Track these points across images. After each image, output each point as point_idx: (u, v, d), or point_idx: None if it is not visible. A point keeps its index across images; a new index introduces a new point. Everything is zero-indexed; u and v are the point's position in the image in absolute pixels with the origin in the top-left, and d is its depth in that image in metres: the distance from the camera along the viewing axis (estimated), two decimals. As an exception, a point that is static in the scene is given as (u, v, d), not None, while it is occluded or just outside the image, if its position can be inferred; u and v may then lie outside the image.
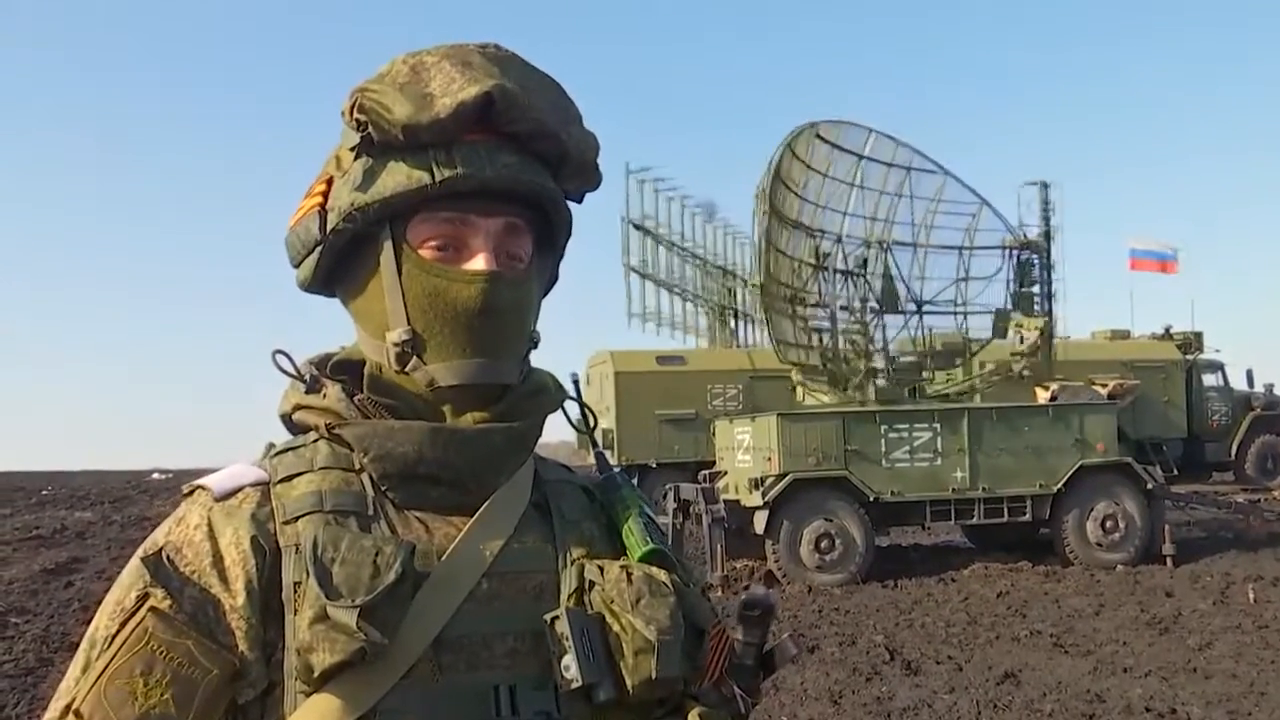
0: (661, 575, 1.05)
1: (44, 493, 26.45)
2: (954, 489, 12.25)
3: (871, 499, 11.95)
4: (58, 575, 12.64)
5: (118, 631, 0.93)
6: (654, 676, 0.98)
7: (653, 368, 20.11)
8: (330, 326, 1.16)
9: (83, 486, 28.46)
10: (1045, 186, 14.64)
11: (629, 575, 1.03)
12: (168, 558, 0.98)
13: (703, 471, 13.90)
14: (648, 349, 21.26)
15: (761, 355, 19.79)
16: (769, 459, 11.92)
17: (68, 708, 0.91)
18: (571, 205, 1.14)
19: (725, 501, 12.14)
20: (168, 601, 0.94)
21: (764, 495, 11.65)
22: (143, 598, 0.94)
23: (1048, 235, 14.46)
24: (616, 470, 1.21)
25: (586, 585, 1.03)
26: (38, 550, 15.12)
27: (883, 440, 12.17)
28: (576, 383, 1.23)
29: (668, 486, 13.43)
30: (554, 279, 1.20)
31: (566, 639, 0.97)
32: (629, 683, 0.98)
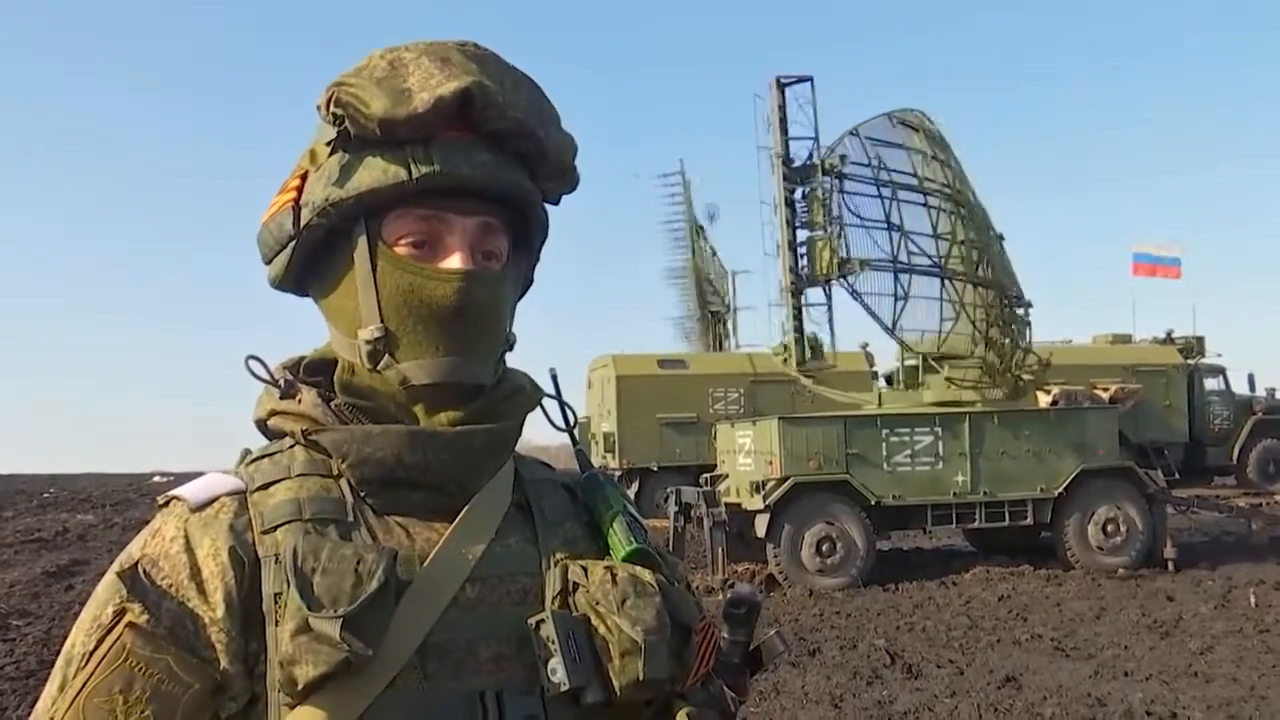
0: (646, 575, 1.03)
1: (46, 495, 26.45)
2: (955, 493, 12.25)
3: (873, 503, 11.95)
4: (59, 578, 12.65)
5: (95, 648, 0.91)
6: (641, 678, 0.97)
7: (654, 371, 20.13)
8: (312, 331, 1.15)
9: (85, 489, 28.46)
10: (788, 85, 11.50)
11: (614, 576, 1.01)
12: (144, 571, 0.96)
13: (704, 475, 13.89)
14: (649, 353, 21.27)
15: (763, 359, 19.82)
16: (770, 462, 11.92)
17: None
18: (547, 208, 1.13)
19: (726, 505, 12.15)
20: (145, 616, 0.92)
21: (765, 499, 11.66)
22: (120, 613, 0.92)
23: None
24: (598, 469, 1.19)
25: (571, 587, 1.02)
26: (39, 553, 15.13)
27: (884, 444, 12.17)
28: (555, 379, 1.21)
29: (669, 490, 13.44)
30: (529, 282, 1.18)
31: (552, 642, 0.96)
32: (616, 685, 0.97)
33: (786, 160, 12.13)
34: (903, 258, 12.38)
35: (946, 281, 12.66)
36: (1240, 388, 20.50)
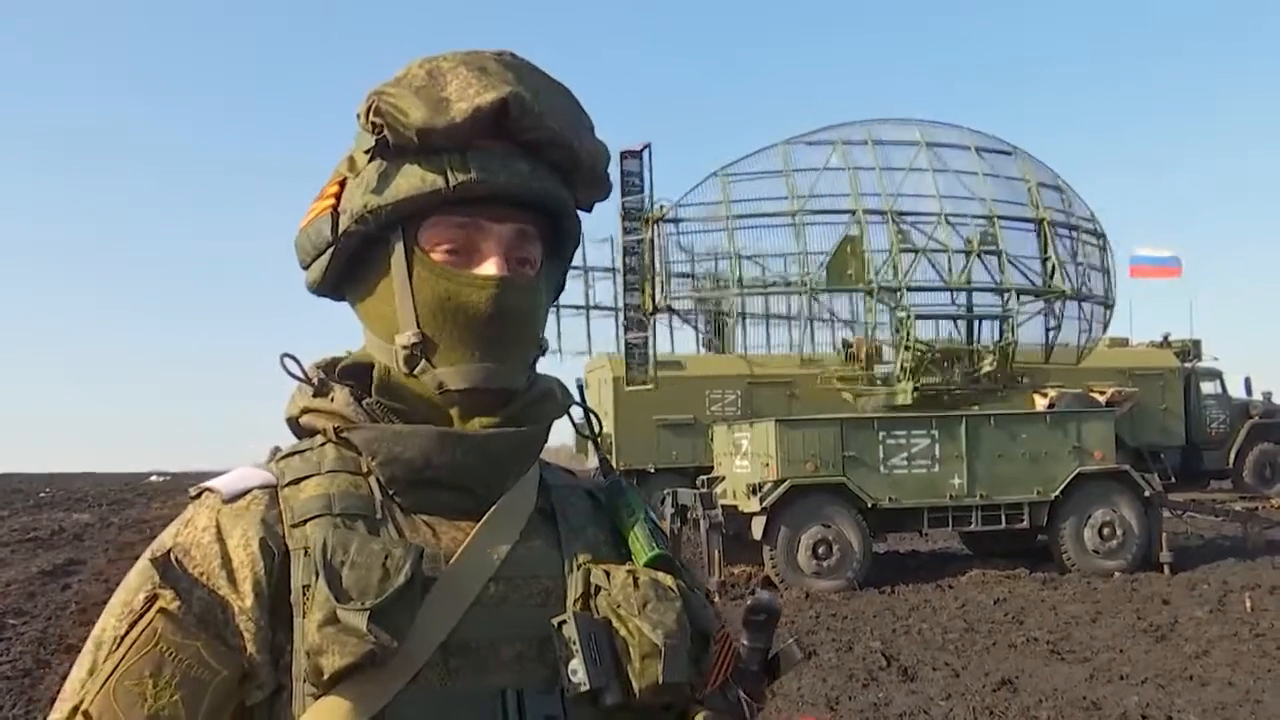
0: (668, 580, 1.05)
1: (42, 495, 26.40)
2: (951, 496, 12.25)
3: (869, 505, 11.95)
4: (55, 577, 12.63)
5: (126, 633, 0.92)
6: (661, 681, 0.99)
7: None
8: (324, 335, 1.16)
9: (81, 488, 28.42)
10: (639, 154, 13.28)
11: (635, 580, 1.03)
12: (176, 559, 0.98)
13: (701, 477, 13.87)
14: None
15: (760, 360, 19.82)
16: (767, 465, 11.92)
17: (75, 709, 0.91)
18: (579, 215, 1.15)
19: (723, 507, 12.12)
20: (176, 603, 0.94)
21: (762, 501, 11.66)
22: (151, 599, 0.94)
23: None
24: (619, 475, 1.21)
25: (593, 590, 1.03)
26: (35, 552, 15.11)
27: (880, 447, 12.17)
28: (581, 389, 1.23)
29: (666, 492, 13.41)
30: (560, 288, 1.21)
31: (574, 643, 0.98)
32: (636, 687, 0.99)
33: (633, 216, 13.63)
34: (770, 280, 13.64)
35: (805, 295, 13.51)
36: (1237, 391, 20.55)
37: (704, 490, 12.61)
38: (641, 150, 13.34)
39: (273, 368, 1.13)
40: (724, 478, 13.04)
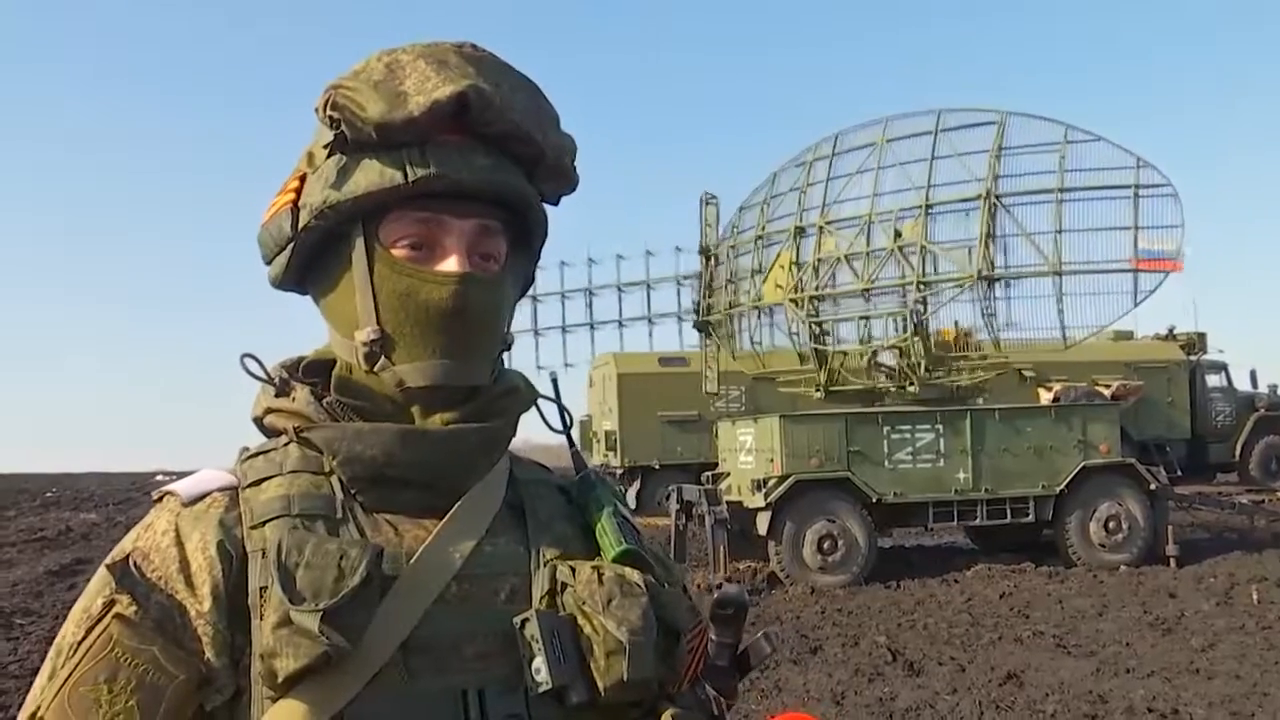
0: (634, 576, 1.02)
1: (49, 494, 26.47)
2: (957, 490, 12.24)
3: (874, 500, 11.94)
4: (62, 577, 12.69)
5: (83, 638, 0.92)
6: (625, 678, 0.97)
7: (655, 369, 20.14)
8: (312, 329, 1.16)
9: (87, 488, 28.49)
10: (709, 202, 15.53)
11: (600, 576, 1.01)
12: (135, 564, 0.97)
13: (705, 473, 13.90)
14: (650, 351, 21.28)
15: (765, 357, 19.80)
16: (771, 460, 11.92)
17: (33, 716, 0.90)
18: (547, 209, 1.13)
19: (728, 503, 12.13)
20: (133, 608, 0.93)
21: (766, 497, 11.66)
22: (109, 604, 0.93)
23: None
24: (593, 469, 1.19)
25: (559, 587, 1.01)
26: (42, 552, 15.17)
27: (885, 441, 12.16)
28: (555, 383, 1.21)
29: (670, 488, 13.43)
30: (529, 282, 1.18)
31: (536, 641, 0.96)
32: (600, 685, 0.97)
33: (703, 252, 16.29)
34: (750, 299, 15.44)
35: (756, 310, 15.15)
36: (1242, 384, 20.49)
37: (709, 486, 12.62)
38: (711, 199, 16.04)
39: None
40: (729, 473, 13.05)
